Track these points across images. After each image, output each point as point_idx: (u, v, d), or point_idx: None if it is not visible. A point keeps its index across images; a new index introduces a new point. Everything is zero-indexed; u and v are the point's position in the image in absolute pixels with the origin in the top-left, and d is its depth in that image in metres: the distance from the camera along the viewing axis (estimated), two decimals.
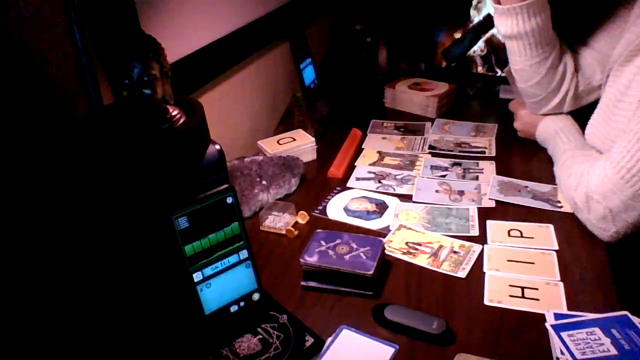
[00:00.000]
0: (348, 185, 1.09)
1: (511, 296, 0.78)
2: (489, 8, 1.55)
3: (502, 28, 1.03)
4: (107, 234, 0.69)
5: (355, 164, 1.18)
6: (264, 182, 1.02)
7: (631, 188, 0.81)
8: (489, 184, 1.05)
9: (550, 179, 1.04)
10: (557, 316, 0.72)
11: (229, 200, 0.71)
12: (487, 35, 1.54)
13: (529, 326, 0.73)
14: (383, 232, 0.94)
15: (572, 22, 1.09)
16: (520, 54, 1.04)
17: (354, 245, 0.82)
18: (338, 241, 0.83)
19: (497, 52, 1.55)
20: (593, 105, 1.08)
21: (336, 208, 1.01)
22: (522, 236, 0.90)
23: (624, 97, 0.88)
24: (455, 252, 0.87)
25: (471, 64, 1.62)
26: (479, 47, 1.59)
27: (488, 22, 1.52)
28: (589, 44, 1.09)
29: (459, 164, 1.14)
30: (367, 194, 1.05)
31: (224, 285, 0.73)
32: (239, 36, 1.12)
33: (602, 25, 1.06)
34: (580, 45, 1.11)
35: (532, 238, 0.89)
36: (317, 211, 1.01)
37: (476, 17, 1.57)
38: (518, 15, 0.99)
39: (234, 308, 0.74)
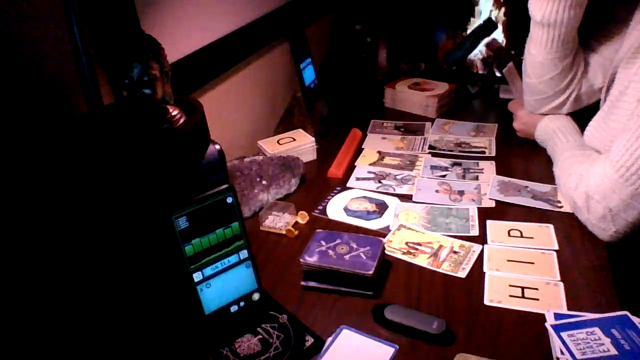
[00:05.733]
0: (348, 185, 1.09)
1: (511, 296, 0.77)
2: (487, 12, 1.55)
3: (538, 13, 1.01)
4: (108, 234, 0.69)
5: (355, 164, 1.18)
6: (264, 182, 1.02)
7: (631, 187, 0.81)
8: (489, 184, 1.05)
9: (550, 179, 1.04)
10: (557, 316, 0.72)
11: (229, 200, 0.71)
12: (488, 38, 1.55)
13: (529, 326, 0.73)
14: (383, 232, 0.94)
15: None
16: (546, 45, 1.03)
17: (354, 245, 0.82)
18: (338, 241, 0.83)
19: (498, 56, 1.55)
20: (592, 106, 1.08)
21: (336, 208, 1.01)
22: (522, 236, 0.90)
23: (623, 97, 0.88)
24: (455, 252, 0.87)
25: (472, 68, 1.63)
26: (479, 50, 1.59)
27: (488, 25, 1.52)
28: (592, 47, 1.09)
29: (459, 164, 1.14)
30: (367, 194, 1.05)
31: (224, 285, 0.73)
32: (239, 36, 1.12)
33: (605, 29, 1.06)
34: (584, 48, 1.11)
35: (532, 238, 0.89)
36: (317, 211, 1.01)
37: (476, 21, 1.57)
38: (560, 2, 0.97)
39: (234, 308, 0.74)
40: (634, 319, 0.69)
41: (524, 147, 1.19)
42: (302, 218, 0.98)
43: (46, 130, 0.67)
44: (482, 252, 0.87)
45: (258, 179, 1.02)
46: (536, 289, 0.78)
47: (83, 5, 0.69)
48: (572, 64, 1.07)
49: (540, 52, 1.05)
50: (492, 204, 1.00)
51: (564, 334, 0.68)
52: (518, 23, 1.52)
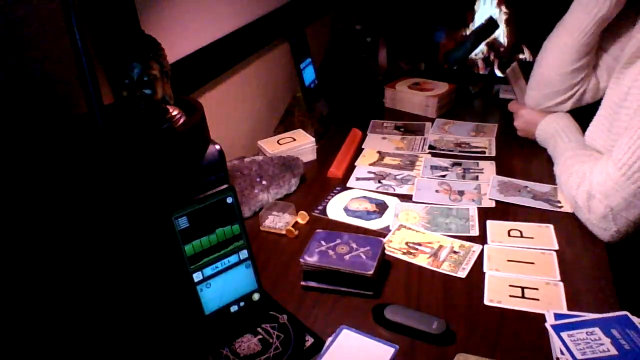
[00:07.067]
0: (348, 185, 1.09)
1: (511, 296, 0.77)
2: (488, 11, 1.55)
3: None
4: (108, 234, 0.69)
5: (355, 164, 1.18)
6: (264, 182, 1.02)
7: (633, 185, 0.81)
8: (489, 184, 1.05)
9: (550, 179, 1.04)
10: (557, 316, 0.72)
11: (229, 200, 0.71)
12: (490, 38, 1.55)
13: (529, 326, 0.73)
14: (383, 232, 0.94)
15: None
16: (584, 30, 1.03)
17: (354, 245, 0.82)
18: (338, 241, 0.83)
19: (499, 56, 1.55)
20: (593, 105, 1.08)
21: (336, 208, 1.01)
22: (522, 236, 0.90)
23: (627, 97, 0.88)
24: (455, 252, 0.87)
25: (473, 67, 1.63)
26: (480, 50, 1.59)
27: (491, 24, 1.52)
28: (601, 45, 1.09)
29: (459, 164, 1.14)
30: (367, 194, 1.05)
31: (224, 285, 0.73)
32: (239, 36, 1.12)
33: (612, 27, 1.06)
34: None
35: (532, 238, 0.89)
36: (317, 211, 1.01)
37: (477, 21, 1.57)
38: None
39: (234, 308, 0.74)
40: (634, 319, 0.69)
41: (524, 147, 1.19)
42: (302, 218, 0.98)
43: (46, 130, 0.67)
44: (482, 252, 0.87)
45: (258, 179, 1.02)
46: (536, 289, 0.78)
47: (83, 5, 0.69)
48: (591, 61, 1.07)
49: (575, 36, 1.05)
50: (492, 204, 1.00)
51: (564, 334, 0.68)
52: (521, 23, 1.52)
